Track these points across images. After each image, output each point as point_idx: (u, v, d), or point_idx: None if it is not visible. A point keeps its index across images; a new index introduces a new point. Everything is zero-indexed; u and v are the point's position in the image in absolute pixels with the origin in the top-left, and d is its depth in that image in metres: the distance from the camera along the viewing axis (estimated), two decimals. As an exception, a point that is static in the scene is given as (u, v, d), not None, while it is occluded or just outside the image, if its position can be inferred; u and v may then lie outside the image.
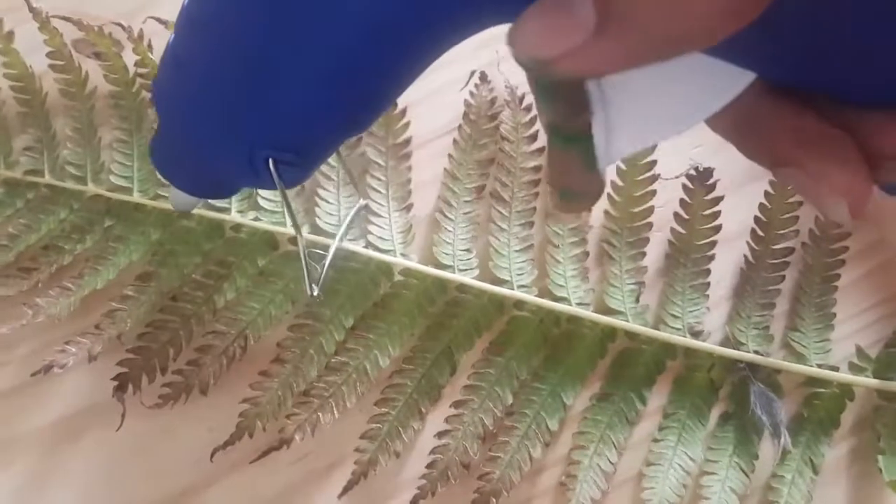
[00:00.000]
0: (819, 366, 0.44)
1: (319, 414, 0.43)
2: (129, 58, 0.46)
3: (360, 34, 0.23)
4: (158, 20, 0.45)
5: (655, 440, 0.44)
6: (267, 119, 0.27)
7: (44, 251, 0.45)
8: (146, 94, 0.46)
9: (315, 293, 0.37)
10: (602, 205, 0.46)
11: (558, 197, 0.27)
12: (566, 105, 0.24)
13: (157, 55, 0.46)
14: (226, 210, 0.45)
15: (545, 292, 0.45)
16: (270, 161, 0.28)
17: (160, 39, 0.45)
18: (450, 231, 0.45)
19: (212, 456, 0.42)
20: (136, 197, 0.46)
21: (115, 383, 0.43)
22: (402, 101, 0.46)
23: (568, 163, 0.26)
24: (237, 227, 0.45)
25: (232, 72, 0.26)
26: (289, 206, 0.33)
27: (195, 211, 0.45)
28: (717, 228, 0.46)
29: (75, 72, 0.46)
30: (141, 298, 0.44)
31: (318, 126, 0.27)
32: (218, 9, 0.25)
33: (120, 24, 0.45)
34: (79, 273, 0.44)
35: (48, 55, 0.46)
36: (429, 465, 0.43)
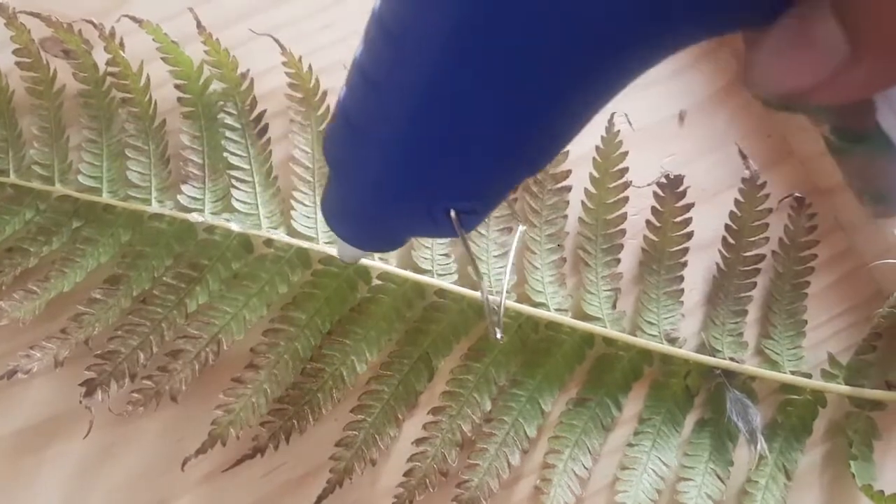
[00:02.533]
0: (793, 373, 0.43)
1: (295, 421, 0.41)
2: (99, 57, 0.44)
3: (552, 83, 0.22)
4: (133, 18, 0.43)
5: (630, 445, 0.43)
6: (451, 174, 0.25)
7: (8, 253, 0.42)
8: (117, 94, 0.44)
9: (499, 335, 0.35)
10: (576, 212, 0.45)
11: (870, 203, 0.26)
12: (850, 107, 0.23)
13: (129, 54, 0.43)
14: (199, 211, 0.43)
15: (524, 298, 0.43)
16: (451, 211, 0.26)
17: (133, 38, 0.43)
18: (428, 235, 0.44)
19: (183, 465, 0.40)
20: (106, 198, 0.43)
21: (83, 389, 0.40)
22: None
23: (866, 164, 0.25)
24: (210, 229, 0.43)
25: (413, 129, 0.24)
26: (470, 253, 0.31)
27: (167, 212, 0.43)
28: (689, 235, 0.45)
29: (43, 70, 0.44)
30: (109, 302, 0.42)
31: (502, 174, 0.26)
32: (394, 65, 0.23)
33: (91, 22, 0.43)
34: (45, 276, 0.42)
35: (15, 52, 0.43)
36: (406, 473, 0.41)
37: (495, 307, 0.38)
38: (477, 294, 0.43)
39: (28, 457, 0.41)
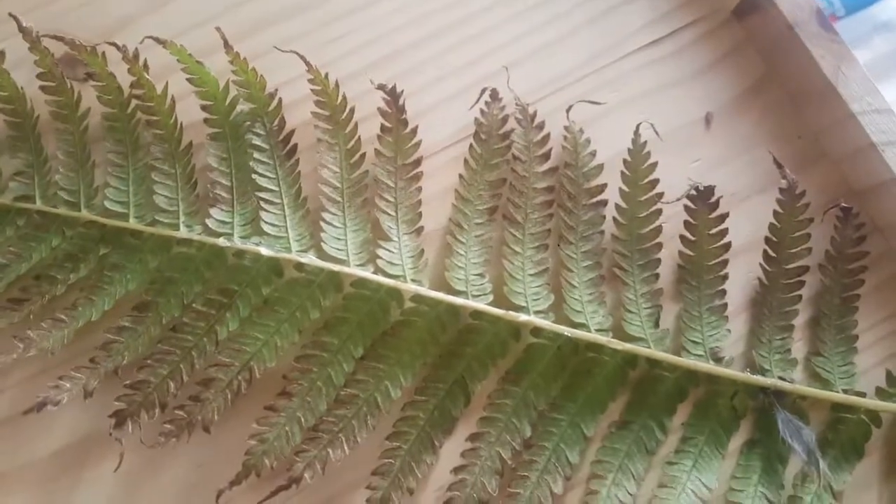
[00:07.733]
0: (845, 391, 0.39)
1: (329, 450, 0.37)
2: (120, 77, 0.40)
3: None
4: (157, 40, 0.39)
5: (670, 463, 0.39)
6: None
7: (35, 281, 0.40)
8: (142, 116, 0.41)
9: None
10: (608, 228, 0.41)
11: None
12: None
13: (153, 75, 0.40)
14: (228, 235, 0.39)
15: (562, 318, 0.40)
16: None
17: (146, 53, 0.39)
18: (461, 255, 0.40)
19: (217, 497, 0.36)
20: (133, 223, 0.40)
21: (112, 420, 0.37)
22: (409, 114, 0.41)
23: None
24: (240, 254, 0.40)
25: None
26: None
27: (195, 237, 0.39)
28: (727, 247, 0.41)
29: (67, 93, 0.40)
30: (138, 330, 0.39)
31: None
32: None
33: (114, 44, 0.40)
34: (72, 304, 0.39)
35: (39, 76, 0.41)
36: (445, 503, 0.37)
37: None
38: (516, 315, 0.39)
39: (51, 486, 0.38)
